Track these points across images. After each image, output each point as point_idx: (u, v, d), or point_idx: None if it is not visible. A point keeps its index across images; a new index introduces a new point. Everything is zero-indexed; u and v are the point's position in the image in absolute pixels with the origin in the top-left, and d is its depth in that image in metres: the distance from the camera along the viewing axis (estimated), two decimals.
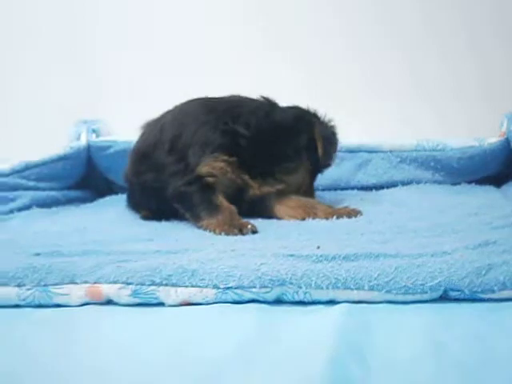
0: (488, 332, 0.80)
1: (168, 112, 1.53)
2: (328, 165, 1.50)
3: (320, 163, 1.47)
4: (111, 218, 1.53)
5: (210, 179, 1.36)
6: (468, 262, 0.94)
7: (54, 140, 1.84)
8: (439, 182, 1.73)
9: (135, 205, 1.57)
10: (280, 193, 1.43)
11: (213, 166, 1.37)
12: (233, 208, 1.35)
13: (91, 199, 1.84)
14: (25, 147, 1.86)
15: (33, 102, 2.17)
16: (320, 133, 1.43)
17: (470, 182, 1.73)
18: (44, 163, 1.76)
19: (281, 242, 1.15)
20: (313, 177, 1.52)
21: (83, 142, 1.84)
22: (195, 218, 1.37)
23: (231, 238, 1.25)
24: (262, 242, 1.18)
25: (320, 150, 1.43)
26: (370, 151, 1.75)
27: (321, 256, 1.01)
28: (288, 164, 1.43)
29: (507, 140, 1.72)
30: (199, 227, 1.35)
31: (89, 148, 1.85)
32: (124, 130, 1.88)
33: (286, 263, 0.99)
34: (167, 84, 2.05)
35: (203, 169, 1.37)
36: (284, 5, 2.08)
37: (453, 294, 0.92)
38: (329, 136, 1.47)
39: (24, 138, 2.08)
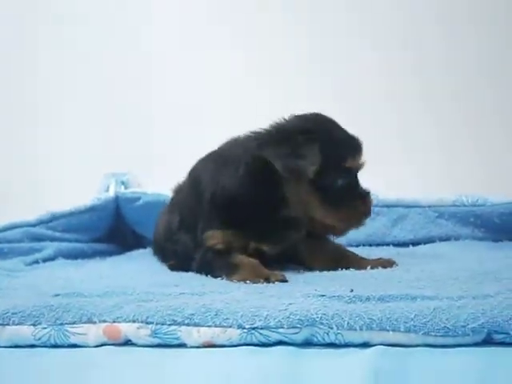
0: None
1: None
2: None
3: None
4: (137, 268, 1.49)
5: (221, 246, 1.31)
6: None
7: (86, 192, 1.83)
8: (479, 239, 1.66)
9: (163, 254, 1.54)
10: (308, 236, 1.36)
11: (217, 236, 1.32)
12: (255, 262, 1.27)
13: (118, 252, 1.79)
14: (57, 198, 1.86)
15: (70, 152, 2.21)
16: None
17: None
18: (71, 214, 1.73)
19: (311, 286, 1.09)
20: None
21: (111, 193, 1.81)
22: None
23: (260, 284, 1.19)
24: (291, 286, 1.13)
25: None
26: (407, 206, 1.70)
27: (354, 297, 0.96)
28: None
29: None
30: None
31: (117, 199, 1.82)
32: (155, 184, 1.87)
33: (316, 303, 0.93)
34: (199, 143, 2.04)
35: (210, 242, 1.32)
36: None
37: (498, 337, 0.85)
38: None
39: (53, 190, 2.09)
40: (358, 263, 1.33)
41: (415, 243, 1.65)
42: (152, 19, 2.25)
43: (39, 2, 2.28)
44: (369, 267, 1.29)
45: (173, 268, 1.46)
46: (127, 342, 0.94)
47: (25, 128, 2.26)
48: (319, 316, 0.88)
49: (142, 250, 1.78)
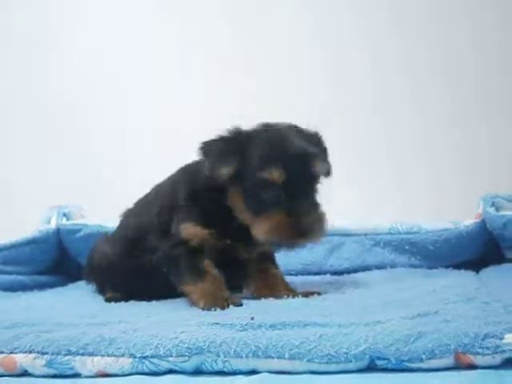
0: None
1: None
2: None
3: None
4: (68, 300, 1.51)
5: (196, 242, 1.32)
6: (398, 330, 0.89)
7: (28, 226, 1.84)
8: (415, 266, 1.66)
9: (100, 283, 1.56)
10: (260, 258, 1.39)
11: (194, 231, 1.33)
12: (218, 277, 1.30)
13: (62, 284, 1.80)
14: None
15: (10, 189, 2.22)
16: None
17: (447, 267, 1.66)
18: (12, 246, 1.75)
19: (210, 314, 1.10)
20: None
21: (52, 225, 1.82)
22: (179, 281, 1.32)
23: (170, 311, 1.20)
24: (189, 314, 1.12)
25: None
26: (343, 235, 1.71)
27: (246, 325, 0.97)
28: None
29: (483, 222, 1.66)
30: (182, 291, 1.31)
31: (59, 232, 1.83)
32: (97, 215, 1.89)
33: (207, 331, 0.94)
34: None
35: (185, 233, 1.33)
36: None
37: (379, 363, 0.86)
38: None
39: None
40: (287, 292, 1.34)
41: (351, 271, 1.66)
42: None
43: None
44: (290, 296, 1.30)
45: (110, 300, 1.47)
46: (24, 373, 0.95)
47: None
48: (207, 344, 0.90)
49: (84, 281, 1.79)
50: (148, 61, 2.23)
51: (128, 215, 1.56)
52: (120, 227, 1.57)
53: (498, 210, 1.68)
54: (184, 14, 2.21)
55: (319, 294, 1.32)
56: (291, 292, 1.34)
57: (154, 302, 1.36)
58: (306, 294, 1.32)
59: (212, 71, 2.18)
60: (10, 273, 1.73)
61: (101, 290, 1.57)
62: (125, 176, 2.09)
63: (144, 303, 1.37)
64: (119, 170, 2.16)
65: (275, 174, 1.23)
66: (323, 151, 1.36)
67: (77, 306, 1.39)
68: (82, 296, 1.56)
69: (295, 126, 1.34)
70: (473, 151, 2.05)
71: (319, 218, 1.27)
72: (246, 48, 2.17)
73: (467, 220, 1.69)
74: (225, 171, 1.27)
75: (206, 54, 2.19)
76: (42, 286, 1.75)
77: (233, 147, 1.28)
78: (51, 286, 1.78)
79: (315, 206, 1.28)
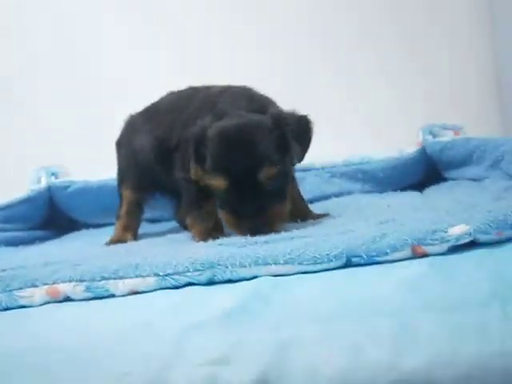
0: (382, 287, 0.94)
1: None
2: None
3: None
4: (71, 246, 1.69)
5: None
6: (365, 234, 1.11)
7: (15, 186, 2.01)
8: (368, 192, 1.91)
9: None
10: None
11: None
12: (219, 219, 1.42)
13: (55, 237, 1.99)
14: None
15: None
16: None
17: (395, 190, 1.91)
18: (8, 206, 1.93)
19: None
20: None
21: (43, 184, 2.00)
22: (187, 208, 1.50)
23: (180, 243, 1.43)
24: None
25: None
26: (304, 170, 1.93)
27: (245, 242, 1.19)
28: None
29: (423, 149, 1.92)
30: (182, 222, 1.52)
31: (49, 189, 2.01)
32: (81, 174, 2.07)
33: (214, 250, 1.16)
34: None
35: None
36: None
37: (354, 260, 1.07)
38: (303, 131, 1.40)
39: None
40: (306, 215, 1.54)
41: (314, 201, 1.88)
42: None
43: None
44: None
45: (110, 243, 1.65)
46: (66, 299, 1.14)
47: None
48: (217, 259, 1.10)
49: (76, 233, 2.00)
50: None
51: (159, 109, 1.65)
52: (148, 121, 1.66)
53: (434, 137, 1.94)
54: None
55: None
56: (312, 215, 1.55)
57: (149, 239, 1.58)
58: (318, 217, 1.52)
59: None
60: (10, 230, 1.91)
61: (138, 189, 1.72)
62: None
63: (141, 241, 1.59)
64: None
65: (218, 183, 1.33)
66: (301, 137, 1.38)
67: (82, 249, 1.59)
68: (81, 244, 1.74)
69: (256, 123, 1.35)
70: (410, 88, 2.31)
71: (268, 220, 1.34)
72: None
73: (410, 148, 1.94)
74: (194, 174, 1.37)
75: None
76: (40, 239, 1.94)
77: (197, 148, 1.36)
78: (47, 238, 1.96)
79: (262, 208, 1.33)
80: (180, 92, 1.67)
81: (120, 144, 1.77)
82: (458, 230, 1.06)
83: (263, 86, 1.51)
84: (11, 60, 2.39)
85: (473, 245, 1.06)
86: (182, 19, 2.37)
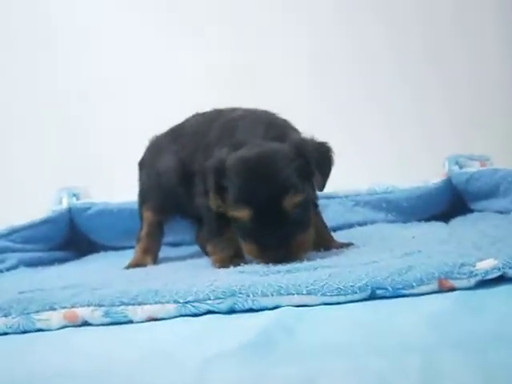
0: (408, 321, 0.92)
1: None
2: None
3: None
4: (94, 269, 1.68)
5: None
6: (391, 265, 1.09)
7: (37, 206, 2.01)
8: (392, 222, 1.89)
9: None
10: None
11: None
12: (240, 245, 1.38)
13: (74, 258, 1.99)
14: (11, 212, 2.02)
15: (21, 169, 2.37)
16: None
17: (420, 220, 1.88)
18: (29, 227, 1.92)
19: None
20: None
21: (64, 205, 2.00)
22: (207, 235, 1.50)
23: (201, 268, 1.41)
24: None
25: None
26: (327, 197, 1.91)
27: (267, 271, 1.17)
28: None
29: (449, 179, 1.90)
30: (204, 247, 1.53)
31: (70, 211, 2.01)
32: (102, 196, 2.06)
33: (236, 277, 1.14)
34: None
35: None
36: None
37: (379, 292, 1.04)
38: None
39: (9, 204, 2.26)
40: (329, 244, 1.51)
41: (336, 229, 1.86)
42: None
43: None
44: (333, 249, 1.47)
45: (129, 267, 1.64)
46: (84, 323, 1.13)
47: None
48: (238, 287, 1.08)
49: (95, 255, 1.99)
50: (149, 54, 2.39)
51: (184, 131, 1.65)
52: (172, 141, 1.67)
53: (461, 168, 1.91)
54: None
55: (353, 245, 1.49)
56: (335, 244, 1.51)
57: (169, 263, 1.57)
58: (342, 246, 1.49)
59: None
60: (29, 250, 1.90)
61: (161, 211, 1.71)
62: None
63: (161, 265, 1.57)
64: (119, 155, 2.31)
65: (242, 213, 1.30)
66: (321, 165, 1.36)
67: (102, 272, 1.57)
68: (100, 266, 1.74)
69: (276, 151, 1.33)
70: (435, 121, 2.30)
71: (292, 249, 1.31)
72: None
73: (435, 178, 1.92)
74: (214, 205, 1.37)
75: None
76: (57, 261, 1.92)
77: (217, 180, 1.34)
78: (66, 260, 1.96)
79: (286, 237, 1.31)
80: (204, 114, 1.67)
81: (143, 164, 1.76)
82: (487, 265, 1.04)
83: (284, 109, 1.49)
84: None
85: (500, 279, 1.03)
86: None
